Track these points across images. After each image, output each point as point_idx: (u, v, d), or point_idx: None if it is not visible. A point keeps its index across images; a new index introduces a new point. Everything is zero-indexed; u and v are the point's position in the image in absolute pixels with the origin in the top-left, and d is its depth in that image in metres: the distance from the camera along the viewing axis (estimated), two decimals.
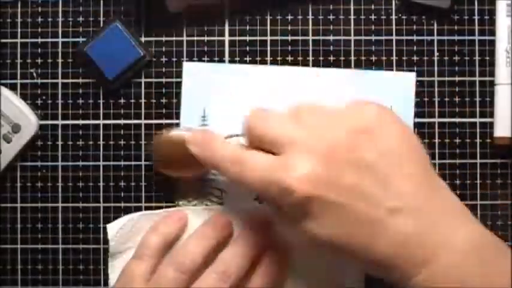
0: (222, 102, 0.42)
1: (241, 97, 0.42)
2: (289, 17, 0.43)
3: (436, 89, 0.43)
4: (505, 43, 0.42)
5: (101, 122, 0.43)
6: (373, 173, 0.31)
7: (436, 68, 0.43)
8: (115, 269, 0.41)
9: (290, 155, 0.32)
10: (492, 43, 0.43)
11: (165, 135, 0.40)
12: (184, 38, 0.43)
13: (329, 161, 0.31)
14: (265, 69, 0.43)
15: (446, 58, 0.43)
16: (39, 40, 0.43)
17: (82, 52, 0.42)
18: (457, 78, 0.43)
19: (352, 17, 0.43)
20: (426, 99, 0.43)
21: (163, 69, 0.43)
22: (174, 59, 0.43)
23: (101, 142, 0.43)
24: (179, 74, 0.43)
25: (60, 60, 0.43)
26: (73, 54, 0.43)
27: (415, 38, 0.43)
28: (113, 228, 0.41)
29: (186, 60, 0.43)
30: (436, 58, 0.43)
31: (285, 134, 0.33)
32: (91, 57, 0.42)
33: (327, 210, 0.31)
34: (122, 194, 0.43)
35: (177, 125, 0.43)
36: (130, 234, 0.41)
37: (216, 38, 0.43)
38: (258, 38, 0.43)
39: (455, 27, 0.43)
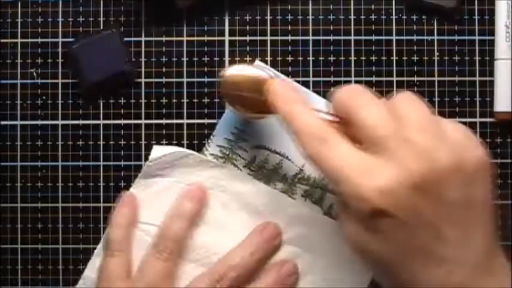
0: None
1: None
2: (289, 17, 0.43)
3: (436, 89, 0.43)
4: (504, 18, 0.42)
5: (101, 122, 0.43)
6: (453, 215, 0.29)
7: (436, 68, 0.43)
8: (140, 186, 0.42)
9: (380, 160, 0.29)
10: (492, 43, 0.43)
11: (238, 72, 0.38)
12: (184, 38, 0.43)
13: (416, 187, 0.29)
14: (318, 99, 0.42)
15: (446, 58, 0.43)
16: (39, 40, 0.43)
17: (70, 49, 0.42)
18: (457, 78, 0.43)
19: (352, 17, 0.43)
20: (426, 99, 0.43)
21: (164, 69, 0.43)
22: (174, 59, 0.43)
23: (101, 142, 0.43)
24: (179, 74, 0.43)
25: (60, 60, 0.43)
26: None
27: (415, 38, 0.43)
28: (158, 152, 0.41)
29: (259, 59, 0.43)
30: (436, 58, 0.43)
31: (383, 132, 0.30)
32: (76, 57, 0.41)
33: (389, 231, 0.29)
34: (122, 194, 0.43)
35: (184, 125, 0.43)
36: (169, 165, 0.41)
37: (216, 38, 0.43)
38: (258, 38, 0.43)
39: (455, 27, 0.43)
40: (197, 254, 0.40)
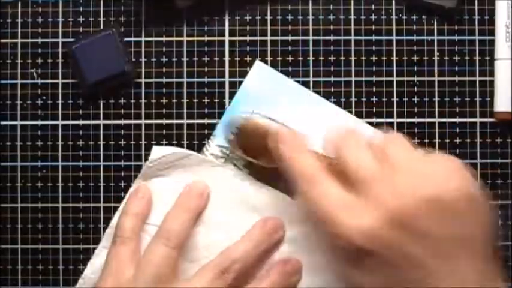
0: (271, 113, 0.42)
1: (287, 117, 0.41)
2: (289, 17, 0.43)
3: (436, 89, 0.43)
4: (504, 18, 0.42)
5: (101, 122, 0.43)
6: (438, 249, 0.30)
7: (436, 68, 0.43)
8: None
9: (361, 201, 0.31)
10: (492, 43, 0.43)
11: (251, 122, 0.40)
12: (185, 38, 0.43)
13: (398, 224, 0.30)
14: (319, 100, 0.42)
15: (446, 58, 0.43)
16: (39, 40, 0.43)
17: (70, 50, 0.42)
18: (457, 78, 0.43)
19: (352, 17, 0.43)
20: (426, 99, 0.43)
21: (164, 69, 0.43)
22: (174, 59, 0.43)
23: (101, 142, 0.43)
24: (179, 74, 0.43)
25: (60, 60, 0.43)
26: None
27: (415, 38, 0.43)
28: (158, 153, 0.41)
29: (259, 59, 0.43)
30: (436, 58, 0.43)
31: (366, 174, 0.32)
32: (76, 57, 0.42)
33: (376, 268, 0.30)
34: (122, 194, 0.43)
35: (184, 125, 0.43)
36: (169, 165, 0.41)
37: (216, 38, 0.43)
38: (258, 38, 0.43)
39: (455, 27, 0.43)
40: (197, 254, 0.40)
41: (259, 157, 0.40)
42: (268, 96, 0.42)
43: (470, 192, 0.31)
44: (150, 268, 0.37)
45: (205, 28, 0.43)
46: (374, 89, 0.43)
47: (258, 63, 0.43)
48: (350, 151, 0.33)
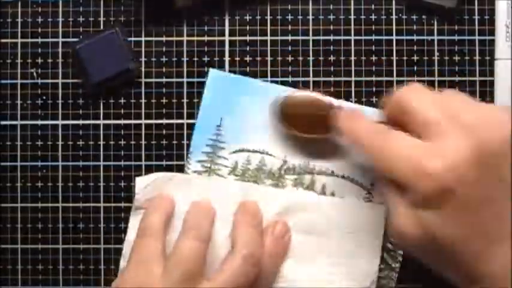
0: (239, 115, 0.42)
1: (258, 114, 0.42)
2: (289, 17, 0.43)
3: (436, 89, 0.43)
4: (504, 18, 0.42)
5: (101, 122, 0.43)
6: (506, 191, 0.30)
7: (436, 68, 0.43)
8: (135, 225, 0.40)
9: (439, 142, 0.31)
10: (492, 43, 0.43)
11: (293, 96, 0.41)
12: (185, 38, 0.43)
13: (477, 162, 0.30)
14: (283, 89, 0.42)
15: (446, 58, 0.43)
16: (39, 40, 0.43)
17: (74, 50, 0.42)
18: (457, 78, 0.43)
19: (352, 17, 0.43)
20: None
21: (164, 69, 0.43)
22: (174, 59, 0.43)
23: (101, 142, 0.43)
24: (179, 74, 0.43)
25: (60, 60, 0.43)
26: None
27: (415, 38, 0.43)
28: (142, 183, 0.41)
29: (212, 68, 0.43)
30: (436, 58, 0.43)
31: (434, 115, 0.31)
32: (80, 57, 0.41)
33: (458, 209, 0.30)
34: (122, 194, 0.43)
35: (184, 125, 0.43)
36: (157, 191, 0.41)
37: (216, 38, 0.43)
38: (258, 38, 0.43)
39: (455, 27, 0.43)
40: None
41: (299, 127, 0.41)
42: (232, 101, 0.42)
43: None
44: (176, 260, 0.37)
45: (205, 28, 0.43)
46: (374, 89, 0.43)
47: (212, 71, 0.43)
48: (414, 99, 0.33)
